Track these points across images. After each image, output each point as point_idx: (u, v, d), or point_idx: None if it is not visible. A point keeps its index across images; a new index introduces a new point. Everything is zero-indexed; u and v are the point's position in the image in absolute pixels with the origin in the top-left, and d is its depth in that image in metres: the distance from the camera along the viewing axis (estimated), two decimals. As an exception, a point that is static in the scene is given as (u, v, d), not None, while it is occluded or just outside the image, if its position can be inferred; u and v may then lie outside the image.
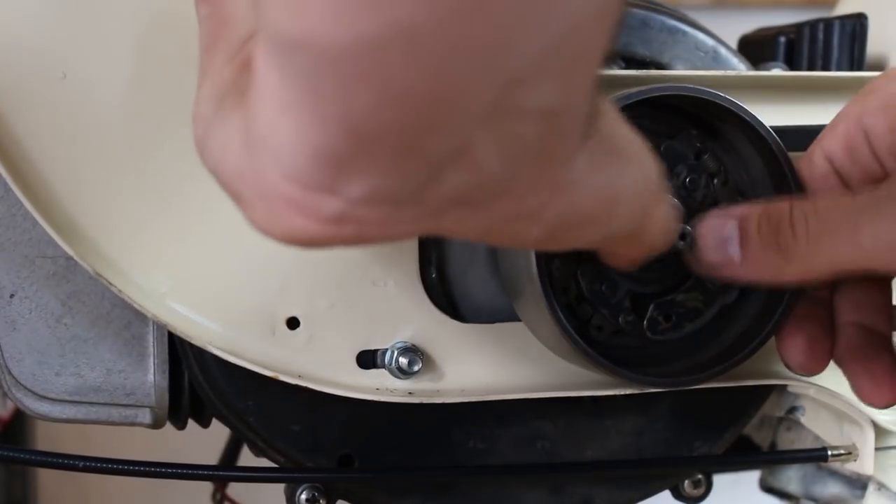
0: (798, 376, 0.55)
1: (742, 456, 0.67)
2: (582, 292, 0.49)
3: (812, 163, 0.47)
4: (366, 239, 0.29)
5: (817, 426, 0.63)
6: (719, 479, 0.63)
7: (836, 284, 0.49)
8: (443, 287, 0.53)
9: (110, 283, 0.47)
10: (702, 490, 0.60)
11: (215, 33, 0.34)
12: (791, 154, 0.48)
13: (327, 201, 0.27)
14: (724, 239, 0.45)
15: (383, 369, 0.51)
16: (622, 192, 0.34)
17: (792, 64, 0.66)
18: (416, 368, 0.50)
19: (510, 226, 0.31)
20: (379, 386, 0.51)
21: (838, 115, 0.47)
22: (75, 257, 0.47)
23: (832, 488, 0.65)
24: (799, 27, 0.66)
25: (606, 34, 0.26)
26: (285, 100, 0.25)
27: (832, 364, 0.49)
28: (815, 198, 0.45)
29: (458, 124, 0.25)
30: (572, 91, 0.27)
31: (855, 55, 0.65)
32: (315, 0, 0.23)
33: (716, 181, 0.49)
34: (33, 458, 0.57)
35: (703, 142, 0.50)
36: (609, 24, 0.26)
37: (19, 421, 1.04)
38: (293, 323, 0.50)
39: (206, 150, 0.32)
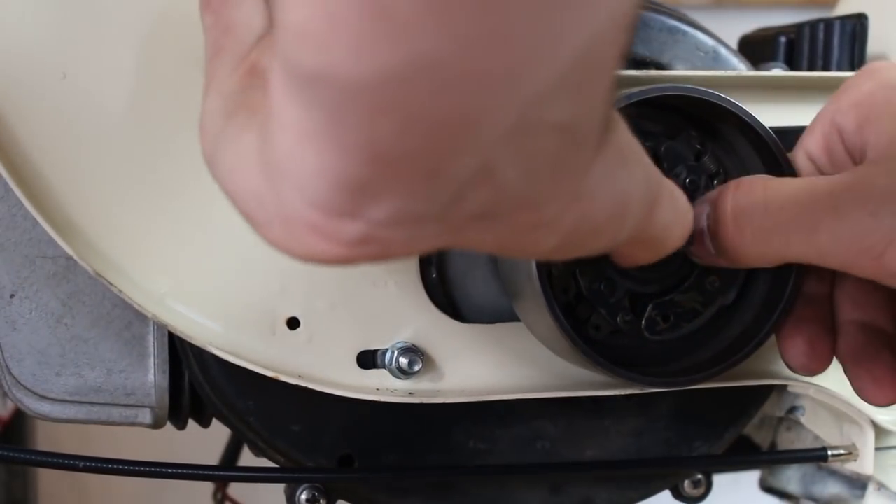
0: (799, 376, 0.55)
1: (742, 456, 0.67)
2: (581, 291, 0.49)
3: (796, 164, 0.47)
4: (387, 257, 0.29)
5: (817, 426, 0.63)
6: (719, 479, 0.63)
7: (836, 282, 0.49)
8: (443, 287, 0.53)
9: (110, 283, 0.47)
10: (702, 490, 0.60)
11: (220, 42, 0.34)
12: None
13: (350, 225, 0.27)
14: (700, 230, 0.46)
15: (383, 369, 0.51)
16: (632, 196, 0.34)
17: (792, 64, 0.66)
18: (416, 368, 0.50)
19: (527, 237, 0.31)
20: (379, 386, 0.51)
21: (817, 115, 0.47)
22: (75, 257, 0.47)
23: (832, 488, 0.65)
24: (799, 27, 0.66)
25: (620, 46, 0.27)
26: (306, 129, 0.25)
27: (832, 364, 0.49)
28: (771, 186, 0.45)
29: (480, 146, 0.26)
30: (589, 103, 0.28)
31: (855, 55, 0.64)
32: (336, 36, 0.23)
33: (716, 182, 0.49)
34: (33, 458, 0.57)
35: (702, 143, 0.50)
36: (623, 37, 0.26)
37: (19, 421, 1.04)
38: (293, 323, 0.50)
39: (217, 167, 0.32)
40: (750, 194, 0.44)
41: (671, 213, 0.39)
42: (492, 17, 0.23)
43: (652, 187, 0.36)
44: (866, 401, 0.47)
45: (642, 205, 0.35)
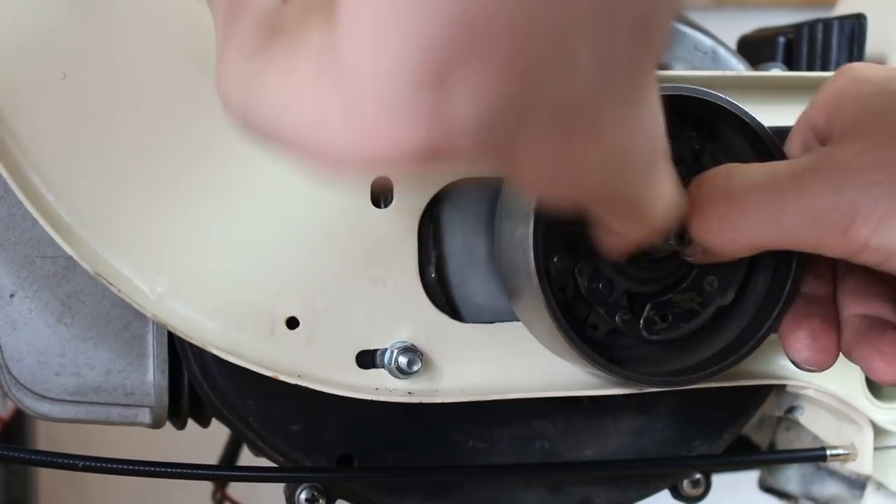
0: (800, 376, 0.55)
1: (741, 456, 0.67)
2: (579, 291, 0.49)
3: None
4: (453, 157, 0.28)
5: (816, 426, 0.63)
6: (719, 479, 0.63)
7: (837, 281, 0.49)
8: (442, 287, 0.53)
9: (110, 283, 0.47)
10: (701, 490, 0.60)
11: (237, 8, 0.33)
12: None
13: (426, 104, 0.26)
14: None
15: (383, 369, 0.51)
16: (658, 146, 0.35)
17: (791, 64, 0.66)
18: (415, 368, 0.50)
19: (575, 166, 0.31)
20: (378, 386, 0.51)
21: (798, 118, 0.48)
22: (75, 257, 0.47)
23: (831, 488, 0.65)
24: (798, 27, 0.66)
25: None
26: (385, 18, 0.25)
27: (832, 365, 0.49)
28: (735, 174, 0.45)
29: (567, 23, 0.25)
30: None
31: (854, 55, 0.65)
32: None
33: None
34: (33, 458, 0.57)
35: (702, 143, 0.50)
36: None
37: (19, 421, 1.04)
38: (293, 323, 0.50)
39: (257, 109, 0.31)
40: (714, 183, 0.44)
41: (668, 184, 0.39)
42: None
43: (663, 145, 0.37)
44: (876, 379, 0.46)
45: (659, 158, 0.36)
